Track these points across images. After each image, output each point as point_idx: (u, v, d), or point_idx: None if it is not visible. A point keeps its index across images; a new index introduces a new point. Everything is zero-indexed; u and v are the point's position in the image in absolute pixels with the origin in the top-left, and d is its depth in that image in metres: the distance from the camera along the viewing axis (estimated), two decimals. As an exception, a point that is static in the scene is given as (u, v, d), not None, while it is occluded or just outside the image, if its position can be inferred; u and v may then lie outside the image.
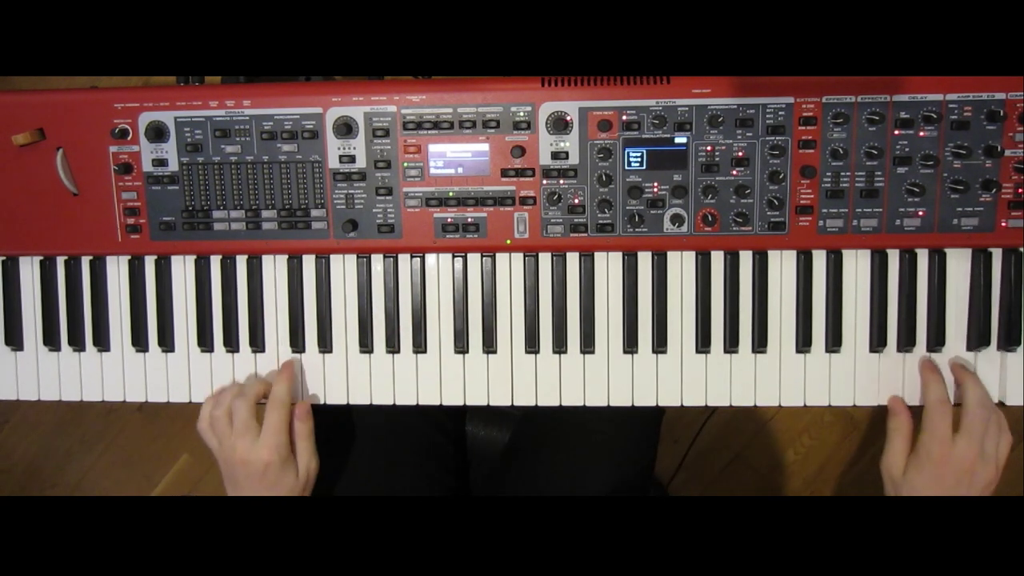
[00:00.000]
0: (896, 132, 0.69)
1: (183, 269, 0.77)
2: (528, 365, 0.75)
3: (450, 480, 0.89)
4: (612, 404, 0.75)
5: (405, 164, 0.72)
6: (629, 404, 0.75)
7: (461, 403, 0.76)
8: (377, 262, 0.76)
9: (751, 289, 0.74)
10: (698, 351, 0.74)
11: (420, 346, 0.76)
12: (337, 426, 0.86)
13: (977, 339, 0.73)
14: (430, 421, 0.88)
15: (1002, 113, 0.68)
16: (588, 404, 0.75)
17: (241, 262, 0.76)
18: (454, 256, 0.75)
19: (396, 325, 0.76)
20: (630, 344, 0.74)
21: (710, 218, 0.72)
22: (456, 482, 0.90)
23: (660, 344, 0.74)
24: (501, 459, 0.94)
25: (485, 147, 0.72)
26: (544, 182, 0.72)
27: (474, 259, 0.75)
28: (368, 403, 0.76)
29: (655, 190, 0.71)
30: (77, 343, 0.78)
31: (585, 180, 0.72)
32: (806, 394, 0.74)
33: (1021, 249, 0.72)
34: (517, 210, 0.73)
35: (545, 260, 0.75)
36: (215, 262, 0.76)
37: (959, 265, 0.73)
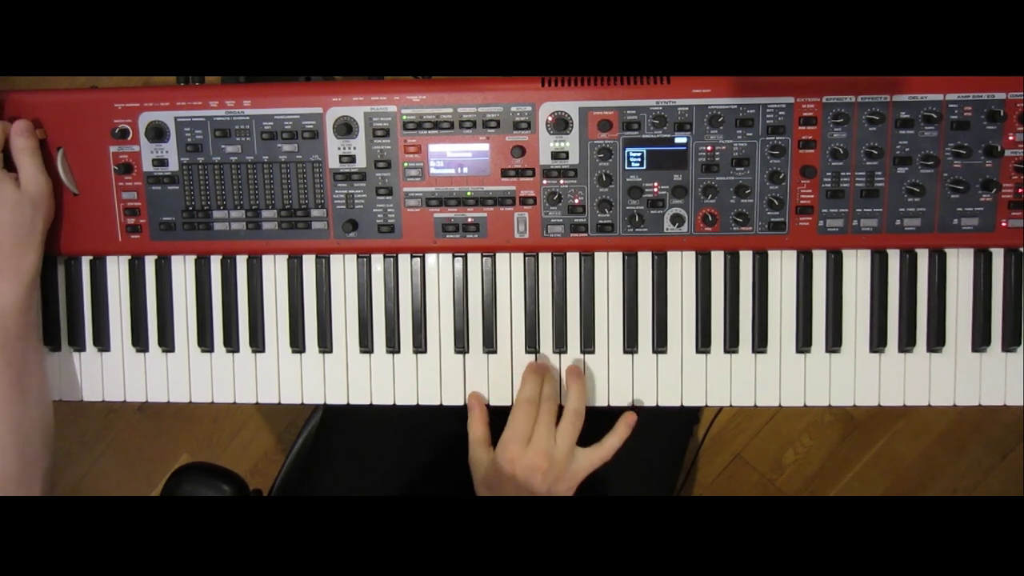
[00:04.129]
0: (896, 132, 0.69)
1: (183, 269, 0.77)
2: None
3: (464, 471, 0.89)
4: (612, 404, 0.75)
5: (405, 164, 0.72)
6: (629, 404, 0.75)
7: (461, 403, 0.76)
8: (377, 262, 0.76)
9: (751, 289, 0.74)
10: (698, 351, 0.74)
11: (420, 346, 0.76)
12: (359, 413, 0.86)
13: (978, 339, 0.73)
14: (452, 414, 0.89)
15: (1002, 113, 0.68)
16: (588, 404, 0.75)
17: (241, 262, 0.76)
18: (454, 256, 0.75)
19: (396, 325, 0.76)
20: (630, 344, 0.74)
21: (710, 218, 0.72)
22: (469, 475, 0.90)
23: (660, 344, 0.74)
24: None
25: (485, 147, 0.72)
26: (544, 182, 0.72)
27: (474, 259, 0.75)
28: (368, 403, 0.76)
29: (655, 190, 0.71)
30: (77, 343, 0.78)
31: (585, 180, 0.72)
32: (806, 394, 0.74)
33: (1021, 249, 0.72)
34: (517, 210, 0.73)
35: (545, 260, 0.75)
36: (215, 262, 0.76)
37: (959, 265, 0.73)
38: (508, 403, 0.76)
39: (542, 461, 0.69)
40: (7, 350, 0.69)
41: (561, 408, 0.72)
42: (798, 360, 0.74)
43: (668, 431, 0.88)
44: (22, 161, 0.71)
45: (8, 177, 0.70)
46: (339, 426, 0.89)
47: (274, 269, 0.76)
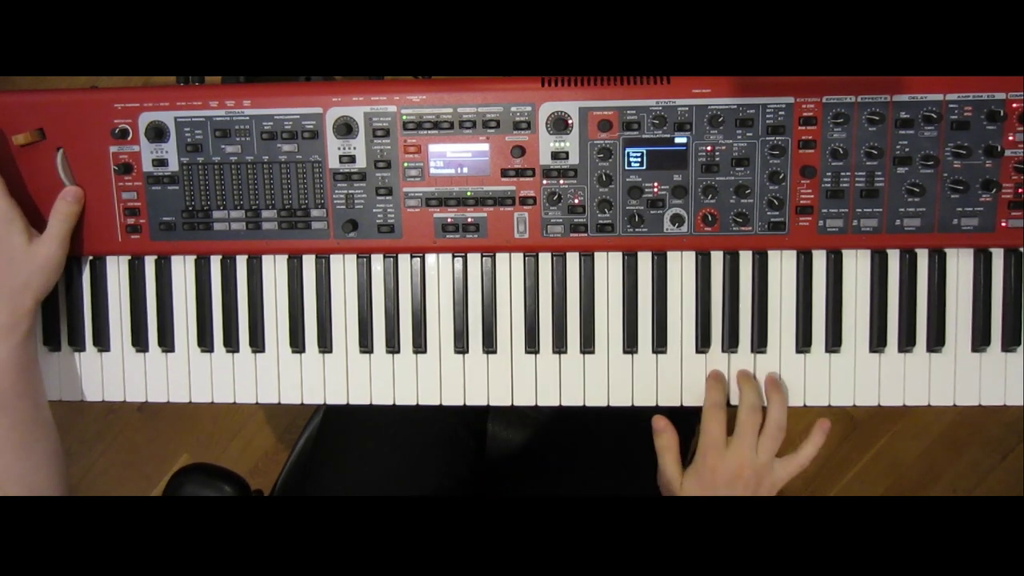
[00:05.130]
0: (896, 132, 0.69)
1: (183, 269, 0.77)
2: (528, 365, 0.75)
3: (465, 472, 0.89)
4: (612, 404, 0.75)
5: (405, 164, 0.72)
6: (629, 404, 0.75)
7: (461, 403, 0.76)
8: (377, 262, 0.76)
9: (751, 289, 0.74)
10: (698, 351, 0.74)
11: (420, 346, 0.76)
12: (363, 410, 0.86)
13: (978, 339, 0.73)
14: (455, 414, 0.89)
15: (1002, 113, 0.68)
16: (588, 404, 0.75)
17: (241, 262, 0.76)
18: (454, 256, 0.75)
19: (396, 325, 0.76)
20: (630, 344, 0.74)
21: (710, 218, 0.72)
22: (471, 475, 0.90)
23: (660, 344, 0.74)
24: (518, 461, 0.94)
25: (485, 147, 0.72)
26: (544, 182, 0.72)
27: (474, 259, 0.75)
28: (368, 403, 0.76)
29: (655, 190, 0.71)
30: (77, 343, 0.78)
31: (585, 180, 0.72)
32: (806, 394, 0.74)
33: (1021, 249, 0.72)
34: (517, 210, 0.73)
35: (545, 260, 0.75)
36: (215, 262, 0.76)
37: (959, 265, 0.73)
38: (508, 403, 0.76)
39: (742, 470, 0.70)
40: (9, 411, 0.68)
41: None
42: (798, 360, 0.74)
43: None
44: (52, 222, 0.71)
45: (26, 230, 0.70)
46: (340, 426, 0.89)
47: (274, 269, 0.76)
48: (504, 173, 0.72)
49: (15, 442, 0.68)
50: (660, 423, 0.75)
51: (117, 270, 0.77)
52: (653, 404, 0.75)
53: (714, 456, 0.71)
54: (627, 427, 0.88)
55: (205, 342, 0.77)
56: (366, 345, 0.76)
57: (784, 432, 0.72)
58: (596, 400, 0.75)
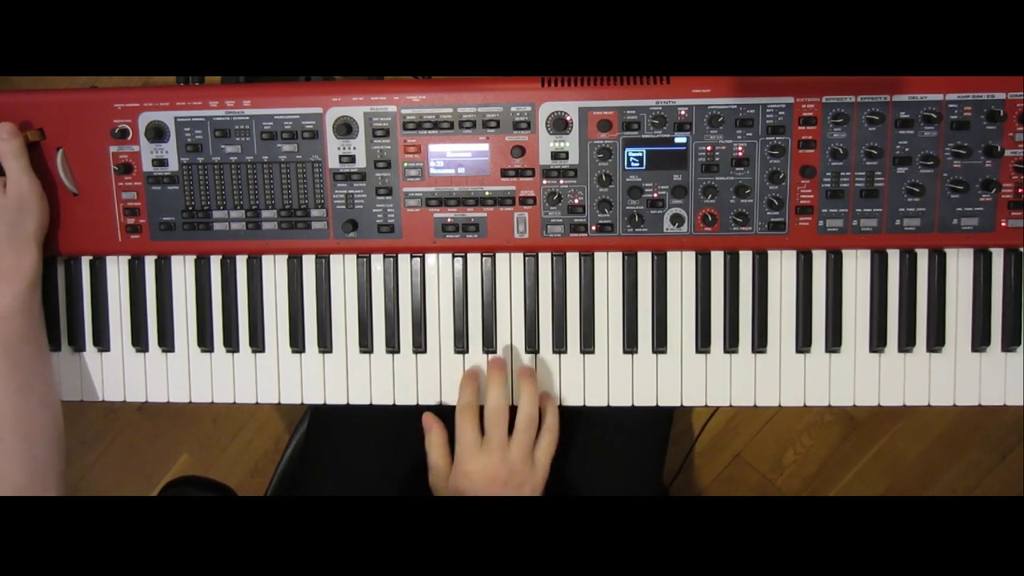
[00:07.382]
0: (896, 132, 0.69)
1: (183, 269, 0.77)
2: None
3: None
4: (612, 404, 0.75)
5: (405, 164, 0.72)
6: (629, 404, 0.75)
7: (461, 403, 0.76)
8: (377, 262, 0.76)
9: (751, 289, 0.74)
10: (698, 351, 0.74)
11: (420, 346, 0.76)
12: (351, 412, 0.86)
13: (978, 339, 0.73)
14: (444, 415, 0.89)
15: (1002, 113, 0.68)
16: (588, 404, 0.75)
17: (241, 262, 0.76)
18: (454, 256, 0.75)
19: (396, 325, 0.76)
20: (630, 344, 0.74)
21: (710, 218, 0.72)
22: None
23: (660, 344, 0.74)
24: None
25: (485, 147, 0.72)
26: (544, 182, 0.72)
27: (474, 259, 0.75)
28: (368, 403, 0.76)
29: (655, 190, 0.71)
30: (77, 343, 0.78)
31: (585, 180, 0.72)
32: (806, 394, 0.74)
33: (1021, 249, 0.72)
34: (517, 210, 0.73)
35: (545, 260, 0.75)
36: (215, 262, 0.76)
37: (959, 265, 0.73)
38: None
39: (498, 470, 0.69)
40: (11, 354, 0.69)
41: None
42: (798, 360, 0.74)
43: (645, 422, 0.87)
44: (7, 164, 0.71)
45: None
46: (328, 431, 0.89)
47: (274, 269, 0.76)
48: (504, 173, 0.72)
49: (14, 385, 0.69)
50: (428, 420, 0.75)
51: (117, 270, 0.77)
52: (653, 404, 0.75)
53: (467, 459, 0.70)
54: (623, 427, 0.88)
55: (205, 342, 0.77)
56: (366, 345, 0.76)
57: (535, 423, 0.71)
58: (596, 400, 0.75)
